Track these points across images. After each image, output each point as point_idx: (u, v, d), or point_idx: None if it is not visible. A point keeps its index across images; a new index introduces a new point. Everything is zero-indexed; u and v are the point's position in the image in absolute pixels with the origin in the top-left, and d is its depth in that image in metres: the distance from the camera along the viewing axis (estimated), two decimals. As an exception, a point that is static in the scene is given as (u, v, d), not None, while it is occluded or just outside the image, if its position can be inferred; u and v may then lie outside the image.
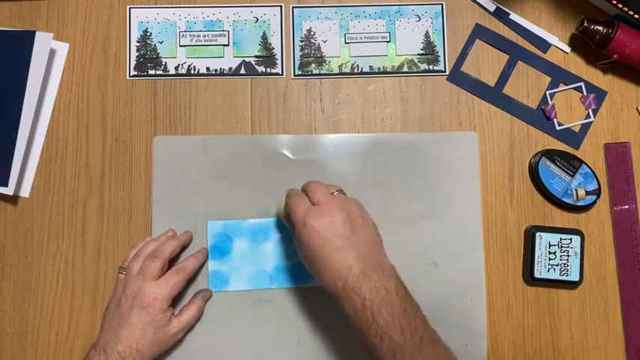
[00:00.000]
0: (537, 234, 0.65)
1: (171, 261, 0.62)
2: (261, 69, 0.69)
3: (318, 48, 0.69)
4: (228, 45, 0.69)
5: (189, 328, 0.62)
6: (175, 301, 0.61)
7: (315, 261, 0.53)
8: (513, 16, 0.70)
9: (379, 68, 0.69)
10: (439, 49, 0.69)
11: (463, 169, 0.67)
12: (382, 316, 0.50)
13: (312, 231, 0.52)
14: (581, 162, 0.66)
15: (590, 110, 0.69)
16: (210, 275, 0.64)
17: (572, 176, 0.66)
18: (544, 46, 0.70)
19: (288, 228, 0.65)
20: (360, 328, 0.51)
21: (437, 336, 0.52)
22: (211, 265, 0.64)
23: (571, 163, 0.66)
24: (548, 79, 0.69)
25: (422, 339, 0.50)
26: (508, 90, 0.69)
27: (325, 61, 0.69)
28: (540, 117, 0.68)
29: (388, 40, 0.69)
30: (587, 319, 0.66)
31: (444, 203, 0.66)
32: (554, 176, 0.66)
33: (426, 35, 0.70)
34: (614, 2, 0.66)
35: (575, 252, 0.65)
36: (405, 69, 0.69)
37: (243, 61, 0.69)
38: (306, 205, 0.55)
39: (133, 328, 0.57)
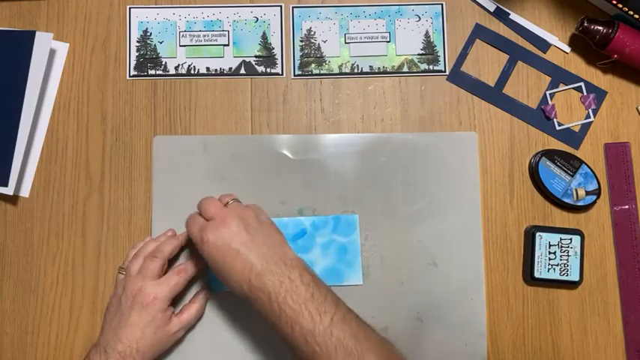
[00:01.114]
0: (537, 234, 0.65)
1: (171, 261, 0.63)
2: (261, 69, 0.69)
3: (318, 48, 0.69)
4: (228, 45, 0.69)
5: (190, 328, 0.62)
6: (176, 300, 0.61)
7: (220, 272, 0.55)
8: (513, 16, 0.70)
9: (379, 68, 0.69)
10: (439, 49, 0.69)
11: (463, 169, 0.67)
12: (289, 305, 0.51)
13: (210, 245, 0.54)
14: (581, 162, 0.66)
15: (590, 110, 0.69)
16: (210, 275, 0.64)
17: (572, 176, 0.66)
18: (544, 46, 0.70)
19: (287, 230, 0.65)
20: (272, 322, 0.52)
21: (351, 314, 0.53)
22: (211, 265, 0.64)
23: (571, 163, 0.66)
24: (548, 79, 0.69)
25: (332, 320, 0.51)
26: (508, 90, 0.69)
27: (325, 61, 0.69)
28: (540, 117, 0.68)
29: (388, 40, 0.69)
30: (587, 319, 0.66)
31: (444, 203, 0.66)
32: (554, 176, 0.66)
33: (426, 35, 0.70)
34: (614, 2, 0.66)
35: (575, 252, 0.65)
36: (405, 69, 0.69)
37: (243, 61, 0.69)
38: (200, 222, 0.57)
39: (134, 328, 0.57)
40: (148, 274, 0.59)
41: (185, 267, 0.61)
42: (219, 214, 0.56)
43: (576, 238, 0.65)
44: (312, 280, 0.53)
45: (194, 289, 0.64)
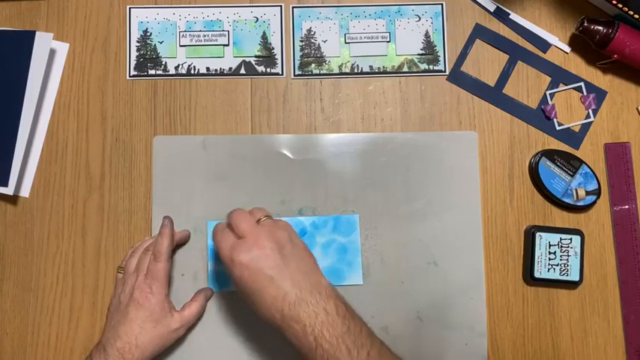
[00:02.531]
0: (537, 234, 0.65)
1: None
2: (261, 69, 0.69)
3: (318, 48, 0.69)
4: (228, 45, 0.69)
5: (191, 327, 0.62)
6: (177, 300, 0.61)
7: (249, 296, 0.52)
8: (513, 16, 0.70)
9: (379, 68, 0.69)
10: (439, 49, 0.69)
11: (463, 169, 0.67)
12: (325, 339, 0.49)
13: (241, 267, 0.52)
14: (581, 162, 0.66)
15: (590, 110, 0.69)
16: (210, 275, 0.64)
17: (572, 176, 0.66)
18: (544, 46, 0.70)
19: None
20: (305, 354, 0.50)
21: (385, 348, 0.52)
22: (211, 265, 0.64)
23: (571, 163, 0.66)
24: (548, 79, 0.69)
25: (369, 354, 0.49)
26: (508, 90, 0.69)
27: (325, 61, 0.69)
28: (540, 117, 0.68)
29: (388, 40, 0.69)
30: (587, 319, 0.66)
31: (444, 203, 0.66)
32: (554, 176, 0.66)
33: (426, 35, 0.70)
34: (614, 2, 0.66)
35: (575, 252, 0.65)
36: (405, 69, 0.69)
37: (243, 61, 0.69)
38: (231, 240, 0.54)
39: (132, 324, 0.57)
40: (142, 270, 0.59)
41: (158, 250, 0.59)
42: (253, 233, 0.53)
43: (576, 238, 0.65)
44: (347, 311, 0.52)
45: (195, 288, 0.64)
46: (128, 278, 0.59)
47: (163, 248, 0.59)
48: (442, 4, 0.70)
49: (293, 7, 0.70)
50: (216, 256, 0.58)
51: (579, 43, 0.69)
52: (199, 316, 0.62)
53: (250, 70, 0.69)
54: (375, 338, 0.52)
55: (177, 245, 0.64)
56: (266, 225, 0.55)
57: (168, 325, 0.58)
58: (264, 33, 0.69)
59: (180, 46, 0.69)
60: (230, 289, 0.64)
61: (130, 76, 0.68)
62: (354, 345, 0.49)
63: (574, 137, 0.68)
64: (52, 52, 0.68)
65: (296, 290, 0.51)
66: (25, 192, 0.66)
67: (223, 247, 0.54)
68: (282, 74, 0.69)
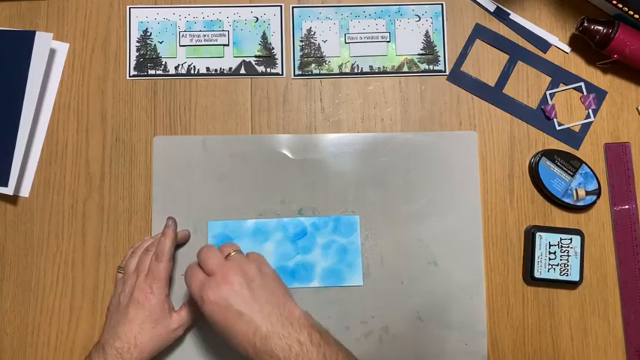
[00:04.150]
0: (537, 234, 0.65)
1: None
2: (261, 69, 0.69)
3: (318, 48, 0.69)
4: (228, 45, 0.69)
5: (189, 327, 0.62)
6: (177, 300, 0.61)
7: (221, 332, 0.52)
8: (513, 16, 0.70)
9: (379, 68, 0.69)
10: (439, 49, 0.69)
11: (463, 169, 0.67)
12: None
13: (211, 304, 0.52)
14: (581, 162, 0.66)
15: (590, 110, 0.69)
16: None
17: (572, 176, 0.66)
18: (544, 46, 0.70)
19: (288, 230, 0.65)
20: None
21: None
22: (211, 265, 0.64)
23: (571, 163, 0.66)
24: (548, 79, 0.69)
25: None
26: (508, 90, 0.69)
27: (325, 61, 0.69)
28: (540, 117, 0.68)
29: (388, 40, 0.69)
30: (587, 319, 0.66)
31: (444, 203, 0.66)
32: (554, 176, 0.66)
33: (426, 35, 0.70)
34: (614, 2, 0.66)
35: (575, 252, 0.65)
36: (405, 69, 0.69)
37: (243, 61, 0.69)
38: (200, 278, 0.54)
39: (132, 324, 0.57)
40: (142, 270, 0.59)
41: (161, 250, 0.59)
42: (220, 270, 0.53)
43: (576, 238, 0.65)
44: (322, 338, 0.51)
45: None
46: (128, 278, 0.60)
47: (166, 248, 0.59)
48: (442, 4, 0.70)
49: (293, 7, 0.70)
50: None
51: (579, 43, 0.69)
52: (198, 317, 0.62)
53: (250, 70, 0.69)
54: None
55: (178, 245, 0.64)
56: (234, 259, 0.55)
57: (167, 326, 0.58)
58: (264, 33, 0.69)
59: (180, 46, 0.69)
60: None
61: (130, 76, 0.68)
62: None
63: (574, 137, 0.68)
64: (52, 52, 0.68)
65: (267, 324, 0.51)
66: (25, 192, 0.66)
67: (193, 285, 0.54)
68: (282, 74, 0.69)
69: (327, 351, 0.50)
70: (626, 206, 0.67)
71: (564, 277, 0.65)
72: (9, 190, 0.64)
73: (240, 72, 0.69)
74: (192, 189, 0.66)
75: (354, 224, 0.65)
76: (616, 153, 0.68)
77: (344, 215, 0.66)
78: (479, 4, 0.70)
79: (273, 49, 0.69)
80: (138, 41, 0.69)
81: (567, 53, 0.69)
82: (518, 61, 0.69)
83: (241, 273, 0.53)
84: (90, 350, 0.58)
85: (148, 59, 0.69)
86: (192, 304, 0.61)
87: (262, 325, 0.50)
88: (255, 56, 0.69)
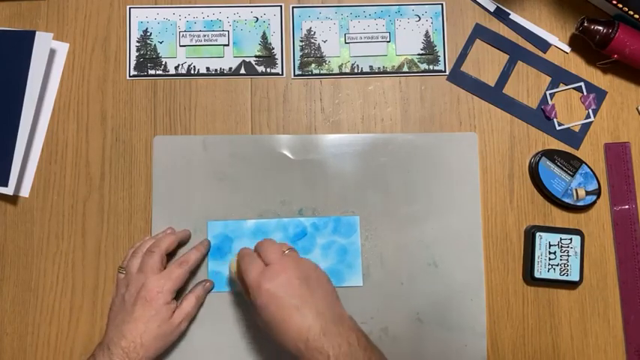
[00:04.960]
0: (537, 234, 0.65)
1: (170, 258, 0.63)
2: (261, 69, 0.69)
3: (318, 48, 0.69)
4: (228, 45, 0.69)
5: (192, 325, 0.62)
6: (178, 295, 0.61)
7: (273, 324, 0.52)
8: (513, 16, 0.70)
9: (379, 68, 0.69)
10: (439, 49, 0.69)
11: (463, 169, 0.67)
12: None
13: (268, 294, 0.52)
14: (581, 162, 0.66)
15: (590, 110, 0.69)
16: (210, 275, 0.64)
17: (572, 176, 0.66)
18: (544, 46, 0.70)
19: (288, 230, 0.65)
20: None
21: None
22: (211, 265, 0.65)
23: (571, 163, 0.66)
24: (548, 79, 0.69)
25: None
26: (508, 90, 0.69)
27: (325, 61, 0.69)
28: (540, 117, 0.68)
29: (388, 40, 0.69)
30: (587, 319, 0.66)
31: (444, 203, 0.66)
32: (554, 176, 0.66)
33: (426, 35, 0.70)
34: (614, 2, 0.66)
35: (575, 252, 0.65)
36: (405, 69, 0.69)
37: (243, 61, 0.69)
38: (259, 266, 0.54)
39: (138, 323, 0.57)
40: (149, 270, 0.59)
41: (186, 258, 0.61)
42: (280, 262, 0.54)
43: (576, 238, 0.65)
44: (368, 343, 0.52)
45: (194, 281, 0.64)
46: (132, 278, 0.59)
47: (194, 258, 0.62)
48: (442, 4, 0.70)
49: (293, 7, 0.70)
50: (239, 283, 0.59)
51: (579, 43, 0.69)
52: (198, 308, 0.63)
53: (250, 70, 0.69)
54: None
55: (178, 245, 0.64)
56: (292, 255, 0.56)
57: (171, 323, 0.59)
58: (264, 33, 0.69)
59: (180, 46, 0.69)
60: (229, 290, 0.64)
61: (130, 76, 0.68)
62: None
63: (574, 137, 0.68)
64: (52, 52, 0.68)
65: (321, 321, 0.51)
66: (25, 192, 0.66)
67: (251, 273, 0.54)
68: (282, 74, 0.69)
69: (373, 355, 0.52)
70: (626, 206, 0.67)
71: (564, 277, 0.65)
72: (9, 190, 0.64)
73: (240, 72, 0.69)
74: (193, 189, 0.66)
75: (354, 225, 0.65)
76: (616, 153, 0.68)
77: (344, 216, 0.66)
78: (479, 4, 0.70)
79: (273, 49, 0.69)
80: (138, 41, 0.69)
81: (567, 53, 0.69)
82: (518, 61, 0.69)
83: (299, 268, 0.54)
84: (93, 351, 0.57)
85: (148, 59, 0.69)
86: (191, 296, 0.62)
87: (316, 322, 0.51)
88: (255, 56, 0.69)
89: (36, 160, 0.67)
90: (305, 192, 0.66)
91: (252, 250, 0.58)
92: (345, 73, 0.69)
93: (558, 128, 0.68)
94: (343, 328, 0.52)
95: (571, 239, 0.65)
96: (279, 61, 0.69)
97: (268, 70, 0.69)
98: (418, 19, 0.70)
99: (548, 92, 0.69)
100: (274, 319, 0.52)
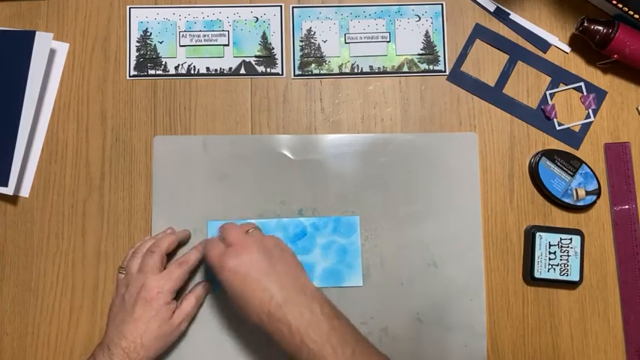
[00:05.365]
0: (537, 234, 0.65)
1: (170, 258, 0.63)
2: (261, 69, 0.69)
3: (318, 48, 0.69)
4: (228, 45, 0.69)
5: (192, 324, 0.62)
6: (178, 295, 0.61)
7: (238, 299, 0.54)
8: (513, 16, 0.70)
9: (379, 68, 0.69)
10: (439, 49, 0.69)
11: (463, 169, 0.67)
12: (311, 338, 0.51)
13: (230, 272, 0.54)
14: (581, 162, 0.66)
15: (590, 110, 0.69)
16: (210, 275, 0.64)
17: (572, 176, 0.66)
18: (544, 46, 0.70)
19: (288, 230, 0.65)
20: (292, 354, 0.52)
21: (370, 346, 0.54)
22: (211, 265, 0.65)
23: (571, 163, 0.66)
24: (548, 79, 0.69)
25: (354, 352, 0.51)
26: (508, 90, 0.69)
27: (325, 61, 0.69)
28: (540, 117, 0.68)
29: (388, 40, 0.69)
30: (587, 319, 0.66)
31: (444, 203, 0.66)
32: (554, 176, 0.66)
33: (426, 35, 0.70)
34: (614, 2, 0.66)
35: (575, 252, 0.65)
36: (405, 69, 0.69)
37: (243, 61, 0.69)
38: (221, 248, 0.57)
39: (138, 323, 0.57)
40: (149, 270, 0.59)
41: (186, 258, 0.61)
42: (241, 241, 0.56)
43: (576, 238, 0.65)
44: (332, 311, 0.53)
45: (193, 281, 0.64)
46: (132, 278, 0.59)
47: (193, 258, 0.62)
48: (442, 4, 0.70)
49: (293, 7, 0.70)
50: (207, 267, 0.61)
51: (579, 43, 0.69)
52: (198, 308, 0.63)
53: (250, 70, 0.69)
54: (359, 336, 0.54)
55: (178, 245, 0.64)
56: (254, 234, 0.58)
57: (171, 324, 0.59)
58: (264, 33, 0.69)
59: (180, 46, 0.69)
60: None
61: (130, 76, 0.68)
62: (339, 344, 0.51)
63: (574, 137, 0.68)
64: (52, 52, 0.68)
65: (282, 292, 0.53)
66: (25, 192, 0.66)
67: (212, 254, 0.56)
68: (282, 74, 0.69)
69: (337, 323, 0.52)
70: (626, 206, 0.67)
71: (564, 277, 0.65)
72: (9, 190, 0.64)
73: (240, 72, 0.69)
74: (192, 189, 0.66)
75: (354, 225, 0.65)
76: (616, 153, 0.68)
77: (344, 216, 0.66)
78: (479, 4, 0.70)
79: (273, 49, 0.69)
80: (138, 41, 0.69)
81: (567, 53, 0.69)
82: (518, 61, 0.69)
83: (261, 245, 0.56)
84: (93, 351, 0.57)
85: (148, 59, 0.69)
86: (190, 296, 0.62)
87: (278, 294, 0.53)
88: (255, 56, 0.69)
89: (36, 160, 0.67)
90: (305, 192, 0.66)
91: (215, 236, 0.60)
92: (345, 73, 0.69)
93: (558, 128, 0.68)
94: (306, 298, 0.53)
95: (571, 239, 0.65)
96: (279, 61, 0.69)
97: (268, 70, 0.69)
98: (418, 19, 0.70)
99: (548, 92, 0.69)
100: (237, 294, 0.54)
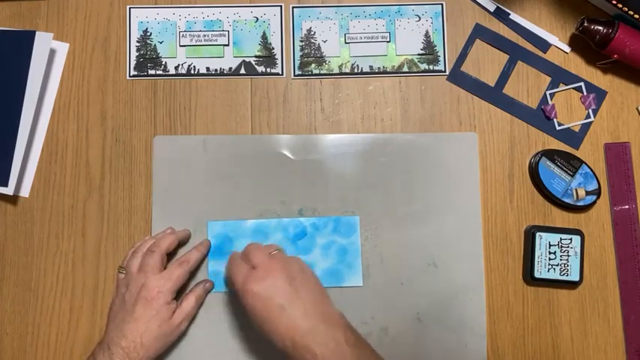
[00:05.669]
0: (537, 234, 0.65)
1: (170, 258, 0.63)
2: (261, 69, 0.69)
3: (318, 48, 0.69)
4: (228, 45, 0.69)
5: (192, 324, 0.62)
6: (178, 294, 0.61)
7: (262, 325, 0.53)
8: (513, 16, 0.70)
9: (379, 68, 0.69)
10: (439, 49, 0.69)
11: (463, 169, 0.67)
12: None
13: (254, 296, 0.53)
14: (581, 162, 0.66)
15: (590, 110, 0.69)
16: (210, 275, 0.64)
17: (572, 176, 0.66)
18: (544, 46, 0.70)
19: (288, 230, 0.65)
20: None
21: None
22: (211, 265, 0.65)
23: (571, 163, 0.66)
24: (548, 79, 0.69)
25: None
26: (508, 90, 0.69)
27: (325, 61, 0.69)
28: (540, 117, 0.68)
29: (388, 40, 0.69)
30: (587, 319, 0.66)
31: (444, 203, 0.66)
32: (554, 176, 0.66)
33: (426, 35, 0.70)
34: (614, 2, 0.66)
35: (575, 252, 0.65)
36: (405, 69, 0.69)
37: (243, 61, 0.69)
38: (245, 270, 0.56)
39: (138, 322, 0.57)
40: (149, 269, 0.59)
41: (187, 258, 0.61)
42: (265, 264, 0.55)
43: (576, 238, 0.65)
44: (356, 340, 0.53)
45: (193, 282, 0.64)
46: (132, 278, 0.59)
47: (194, 258, 0.62)
48: (442, 4, 0.70)
49: (293, 7, 0.70)
50: (229, 286, 0.61)
51: (579, 43, 0.69)
52: (198, 308, 0.63)
53: (250, 70, 0.69)
54: None
55: (178, 245, 0.64)
56: (278, 257, 0.57)
57: (171, 324, 0.59)
58: (264, 33, 0.69)
59: (180, 46, 0.69)
60: (229, 290, 0.64)
61: (130, 76, 0.68)
62: None
63: (574, 137, 0.68)
64: (52, 52, 0.68)
65: (307, 320, 0.52)
66: (25, 192, 0.66)
67: (237, 276, 0.56)
68: (282, 74, 0.69)
69: (361, 353, 0.52)
70: (626, 206, 0.67)
71: (564, 277, 0.65)
72: (9, 190, 0.64)
73: (240, 72, 0.69)
74: (192, 189, 0.66)
75: (354, 225, 0.65)
76: (616, 153, 0.68)
77: (344, 216, 0.66)
78: (479, 4, 0.70)
79: (273, 49, 0.69)
80: (138, 41, 0.69)
81: (567, 53, 0.69)
82: (518, 61, 0.69)
83: (285, 269, 0.55)
84: (93, 350, 0.57)
85: (148, 59, 0.69)
86: (190, 296, 0.62)
87: (302, 323, 0.52)
88: (255, 56, 0.69)
89: (36, 160, 0.67)
90: (305, 192, 0.66)
91: (239, 254, 0.59)
92: (345, 73, 0.69)
93: (558, 128, 0.68)
94: (331, 326, 0.52)
95: (571, 239, 0.65)
96: (279, 61, 0.69)
97: (268, 70, 0.69)
98: (418, 19, 0.70)
99: (548, 92, 0.69)
100: (262, 319, 0.53)
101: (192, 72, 0.69)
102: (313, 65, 0.69)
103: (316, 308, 0.54)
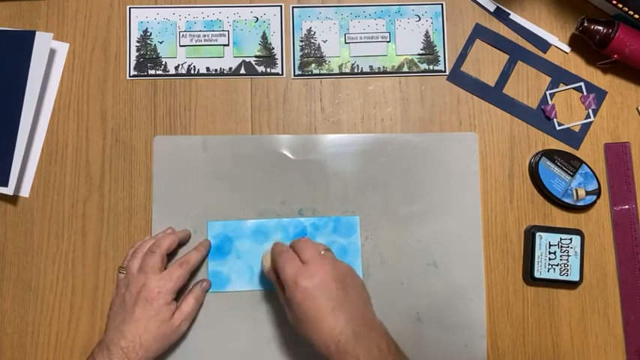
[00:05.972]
0: (537, 234, 0.65)
1: (170, 258, 0.63)
2: (261, 69, 0.69)
3: (318, 48, 0.69)
4: (228, 45, 0.69)
5: (192, 325, 0.62)
6: (178, 295, 0.61)
7: (306, 322, 0.52)
8: (513, 16, 0.70)
9: (379, 68, 0.69)
10: (439, 49, 0.69)
11: (463, 170, 0.67)
12: None
13: (305, 292, 0.52)
14: (581, 162, 0.66)
15: (590, 110, 0.69)
16: (210, 275, 0.64)
17: (572, 176, 0.66)
18: (544, 46, 0.70)
19: (288, 230, 0.65)
20: None
21: None
22: (211, 265, 0.65)
23: (571, 163, 0.66)
24: (548, 79, 0.69)
25: None
26: (508, 90, 0.69)
27: (325, 61, 0.69)
28: (540, 117, 0.68)
29: (388, 40, 0.69)
30: (587, 319, 0.66)
31: (444, 203, 0.66)
32: (554, 176, 0.66)
33: (426, 35, 0.70)
34: (614, 2, 0.66)
35: (575, 252, 0.65)
36: (405, 69, 0.69)
37: (243, 61, 0.69)
38: (297, 264, 0.54)
39: (138, 323, 0.57)
40: (149, 270, 0.59)
41: (187, 259, 0.61)
42: (317, 261, 0.54)
43: (576, 238, 0.65)
44: (397, 350, 0.53)
45: (193, 282, 0.64)
46: (132, 278, 0.59)
47: (194, 259, 0.62)
48: (442, 4, 0.70)
49: (293, 7, 0.70)
50: (271, 279, 0.58)
51: (579, 43, 0.69)
52: (198, 308, 0.63)
53: (250, 70, 0.69)
54: None
55: (178, 245, 0.64)
56: (329, 256, 0.56)
57: (171, 325, 0.59)
58: (264, 33, 0.69)
59: (180, 46, 0.69)
60: (228, 290, 0.64)
61: (130, 76, 0.68)
62: None
63: (574, 137, 0.68)
64: (52, 52, 0.68)
65: (353, 325, 0.51)
66: (25, 192, 0.66)
67: (288, 270, 0.54)
68: (282, 74, 0.69)
69: None
70: (626, 206, 0.67)
71: (564, 277, 0.65)
72: (9, 190, 0.64)
73: (240, 72, 0.69)
74: (192, 189, 0.66)
75: (354, 225, 0.65)
76: (616, 153, 0.68)
77: (344, 216, 0.66)
78: (479, 4, 0.70)
79: (273, 49, 0.69)
80: (138, 41, 0.69)
81: (567, 53, 0.69)
82: (518, 61, 0.69)
83: (336, 270, 0.54)
84: (92, 350, 0.57)
85: (148, 59, 0.69)
86: (190, 297, 0.62)
87: (348, 325, 0.51)
88: (255, 56, 0.69)
89: (36, 160, 0.67)
90: (305, 192, 0.66)
91: (288, 246, 0.58)
92: (345, 73, 0.69)
93: (558, 128, 0.68)
94: (375, 334, 0.52)
95: (571, 239, 0.65)
96: (279, 61, 0.69)
97: (268, 70, 0.69)
98: (418, 19, 0.70)
99: (548, 92, 0.69)
100: (308, 317, 0.52)
101: (192, 72, 0.69)
102: (313, 65, 0.69)
103: (362, 313, 0.53)
